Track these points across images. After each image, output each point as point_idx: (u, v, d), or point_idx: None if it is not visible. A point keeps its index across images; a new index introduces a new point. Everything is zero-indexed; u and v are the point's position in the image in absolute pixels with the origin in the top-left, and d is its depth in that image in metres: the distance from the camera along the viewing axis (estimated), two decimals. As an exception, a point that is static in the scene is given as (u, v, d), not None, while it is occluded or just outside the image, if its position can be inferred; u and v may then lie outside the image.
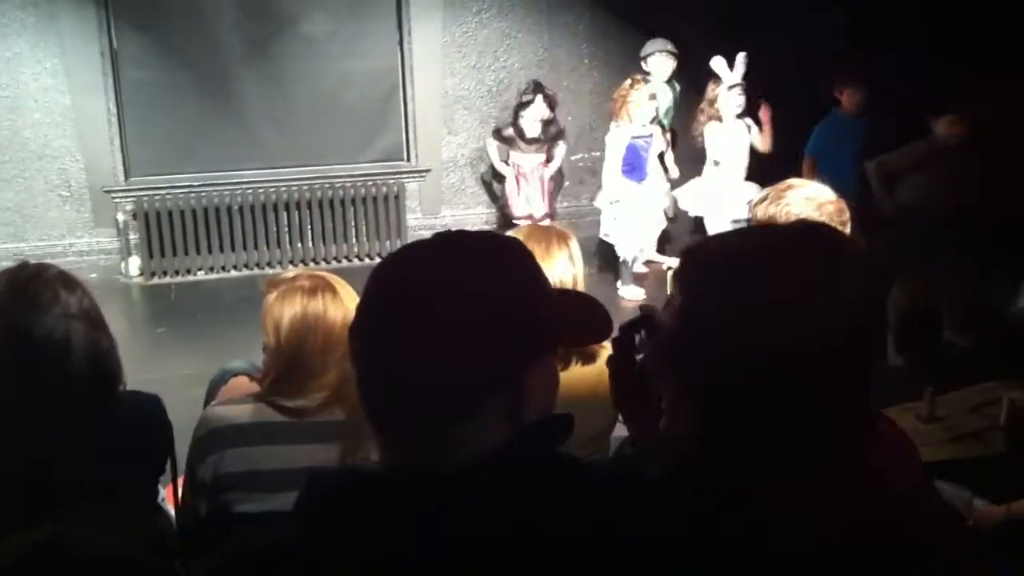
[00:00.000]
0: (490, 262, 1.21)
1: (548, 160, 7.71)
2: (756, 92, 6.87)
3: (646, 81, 7.06)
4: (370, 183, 8.12)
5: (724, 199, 6.88)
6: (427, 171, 8.37)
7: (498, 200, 8.26)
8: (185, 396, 3.44)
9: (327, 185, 8.04)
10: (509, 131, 7.67)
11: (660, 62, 7.47)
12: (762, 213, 2.57)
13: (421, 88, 8.26)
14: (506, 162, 7.77)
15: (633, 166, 7.06)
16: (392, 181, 8.20)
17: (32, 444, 2.14)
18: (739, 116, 6.94)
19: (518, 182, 7.66)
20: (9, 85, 7.53)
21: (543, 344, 1.23)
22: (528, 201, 7.63)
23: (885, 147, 6.22)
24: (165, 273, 7.79)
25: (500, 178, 7.94)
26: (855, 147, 6.67)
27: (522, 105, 7.56)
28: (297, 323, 2.38)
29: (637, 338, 1.45)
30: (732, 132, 6.93)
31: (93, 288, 2.42)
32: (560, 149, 7.75)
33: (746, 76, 6.81)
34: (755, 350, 1.21)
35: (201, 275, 7.87)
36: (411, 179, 8.37)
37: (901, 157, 6.01)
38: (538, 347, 1.21)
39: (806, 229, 1.38)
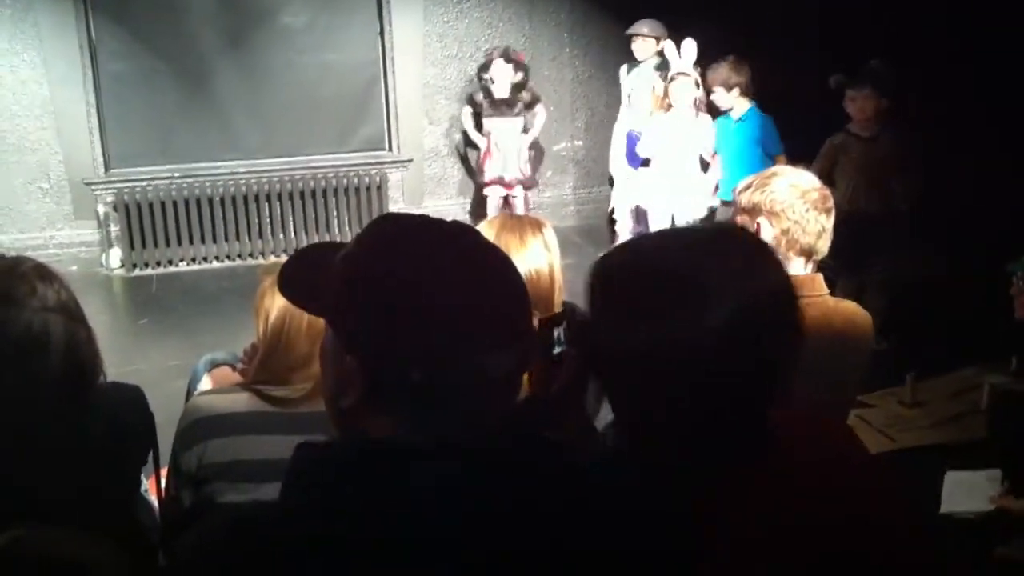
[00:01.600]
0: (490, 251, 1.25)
1: (527, 129, 7.70)
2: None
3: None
4: (352, 173, 8.11)
5: (665, 193, 6.69)
6: (409, 161, 8.36)
7: (474, 171, 8.21)
8: (168, 387, 3.44)
9: (309, 176, 8.02)
10: (479, 96, 7.67)
11: (637, 45, 7.44)
12: (746, 200, 2.57)
13: (402, 78, 8.24)
14: (480, 129, 7.76)
15: (633, 154, 7.06)
16: (374, 171, 8.19)
17: (9, 439, 2.12)
18: (704, 111, 6.66)
19: (490, 148, 7.64)
20: (-13, 78, 7.48)
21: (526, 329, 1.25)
22: (500, 164, 7.59)
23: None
24: (146, 265, 7.76)
25: (474, 146, 7.93)
26: (746, 148, 6.48)
27: (484, 67, 7.61)
28: (284, 311, 2.37)
29: (556, 332, 1.46)
30: (678, 124, 6.61)
31: (74, 280, 2.40)
32: (539, 117, 7.74)
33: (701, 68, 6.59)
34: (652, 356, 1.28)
35: (183, 266, 7.85)
36: (393, 169, 8.36)
37: (821, 157, 5.72)
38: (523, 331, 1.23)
39: (714, 231, 1.46)
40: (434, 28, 8.23)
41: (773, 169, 2.71)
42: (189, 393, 2.88)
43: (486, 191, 7.73)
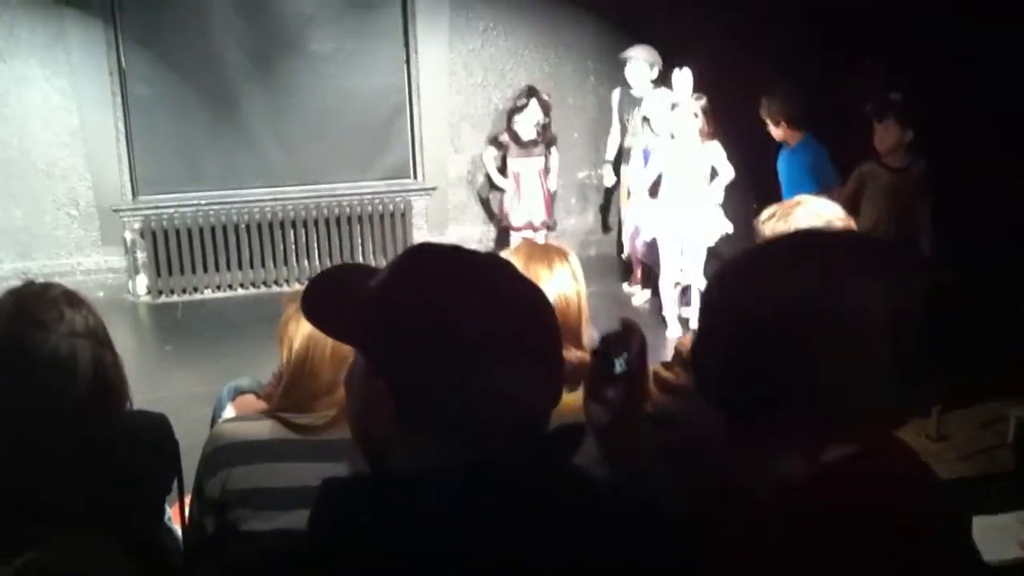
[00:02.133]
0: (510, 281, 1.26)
1: (546, 168, 7.73)
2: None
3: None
4: (376, 201, 8.14)
5: (670, 222, 6.66)
6: (433, 189, 8.39)
7: (494, 212, 8.25)
8: (192, 414, 3.44)
9: (333, 203, 8.06)
10: (504, 137, 7.71)
11: (631, 70, 7.45)
12: (770, 230, 2.57)
13: (427, 106, 8.29)
14: (503, 170, 7.79)
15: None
16: (399, 199, 8.22)
17: (37, 464, 2.13)
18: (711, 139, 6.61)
19: (518, 190, 7.66)
20: (18, 104, 7.58)
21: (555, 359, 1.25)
22: (528, 210, 7.63)
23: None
24: (172, 291, 7.81)
25: (497, 189, 7.95)
26: (795, 178, 6.36)
27: (516, 109, 7.64)
28: (308, 338, 2.38)
29: (615, 352, 1.46)
30: (684, 152, 6.58)
31: (100, 307, 2.42)
32: (555, 157, 7.78)
33: (706, 98, 6.55)
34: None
35: (208, 293, 7.89)
36: (418, 196, 8.39)
37: (848, 188, 5.70)
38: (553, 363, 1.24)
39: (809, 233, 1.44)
40: (459, 56, 8.28)
41: (797, 198, 2.71)
42: (214, 420, 2.89)
43: (513, 233, 7.71)
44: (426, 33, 8.16)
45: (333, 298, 1.28)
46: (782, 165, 6.44)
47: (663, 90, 7.10)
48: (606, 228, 8.65)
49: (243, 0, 7.83)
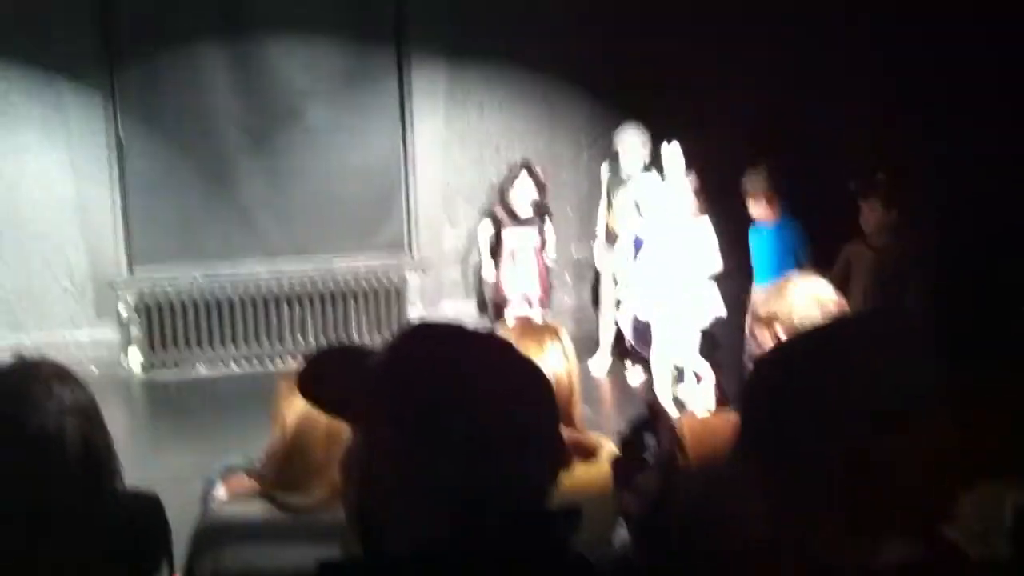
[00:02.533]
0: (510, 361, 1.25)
1: (542, 242, 7.71)
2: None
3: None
4: (371, 275, 8.16)
5: (663, 304, 6.64)
6: (428, 264, 8.40)
7: (489, 286, 8.14)
8: (184, 492, 3.39)
9: (328, 278, 8.07)
10: (499, 210, 7.70)
11: (623, 148, 7.50)
12: (763, 311, 2.57)
13: (423, 181, 8.36)
14: (498, 245, 7.73)
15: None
16: (393, 274, 8.24)
17: (27, 543, 2.10)
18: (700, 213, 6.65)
19: (513, 261, 7.64)
20: (15, 175, 7.63)
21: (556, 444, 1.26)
22: (522, 283, 7.60)
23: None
24: (165, 366, 7.78)
25: (493, 262, 7.89)
26: (776, 257, 6.39)
27: (509, 183, 7.63)
28: (302, 417, 2.36)
29: (646, 436, 1.44)
30: (675, 230, 6.57)
31: (93, 381, 2.41)
32: (549, 230, 7.76)
33: (697, 173, 6.59)
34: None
35: (202, 368, 7.85)
36: (412, 272, 8.40)
37: (836, 269, 5.67)
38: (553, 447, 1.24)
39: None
40: (455, 132, 8.36)
41: (790, 279, 2.72)
42: (204, 498, 2.86)
43: (507, 308, 7.65)
44: (422, 108, 8.26)
45: (331, 376, 1.28)
46: (760, 242, 6.46)
47: (654, 174, 7.13)
48: (596, 305, 8.64)
49: (241, 75, 7.93)
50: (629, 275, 7.02)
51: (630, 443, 1.43)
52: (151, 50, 7.76)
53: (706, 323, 6.64)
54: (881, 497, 1.23)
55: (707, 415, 2.29)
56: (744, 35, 7.80)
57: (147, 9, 7.71)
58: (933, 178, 6.29)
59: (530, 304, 7.59)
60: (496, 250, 7.82)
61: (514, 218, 7.62)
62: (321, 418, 2.33)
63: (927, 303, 5.56)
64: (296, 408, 2.37)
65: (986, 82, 6.38)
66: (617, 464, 1.52)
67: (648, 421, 1.45)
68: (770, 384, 1.39)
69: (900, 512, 1.24)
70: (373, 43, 8.20)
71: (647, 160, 7.39)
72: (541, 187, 7.62)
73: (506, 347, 1.28)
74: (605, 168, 7.75)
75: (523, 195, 7.57)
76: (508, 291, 7.69)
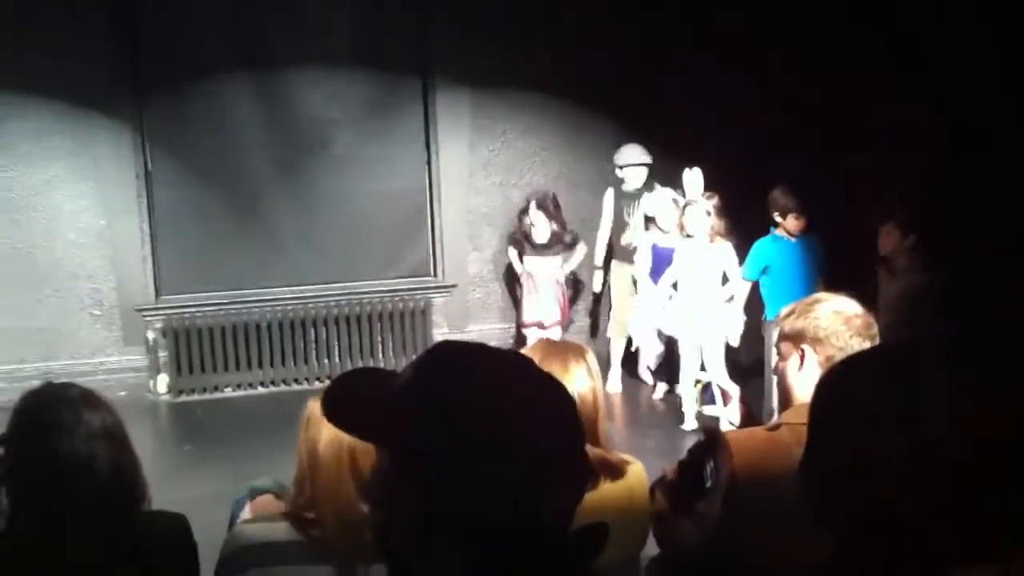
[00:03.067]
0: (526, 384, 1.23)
1: (563, 267, 7.78)
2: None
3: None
4: (397, 299, 8.19)
5: (688, 321, 6.67)
6: (453, 286, 8.44)
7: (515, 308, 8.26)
8: (211, 515, 3.41)
9: (354, 301, 8.11)
10: (519, 236, 7.77)
11: (627, 173, 7.57)
12: (789, 328, 2.56)
13: (448, 206, 8.40)
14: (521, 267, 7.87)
15: (655, 271, 7.09)
16: (419, 297, 8.27)
17: (57, 566, 2.12)
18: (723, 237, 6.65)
19: (530, 289, 7.70)
20: (46, 207, 7.71)
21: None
22: (539, 308, 7.64)
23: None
24: (193, 391, 7.82)
25: (518, 285, 8.00)
26: (803, 268, 6.42)
27: (523, 212, 7.72)
28: (334, 443, 2.35)
29: (707, 465, 1.41)
30: (696, 251, 6.62)
31: (121, 406, 2.43)
32: (578, 254, 7.80)
33: (718, 196, 6.62)
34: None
35: (229, 392, 7.90)
36: (437, 295, 8.43)
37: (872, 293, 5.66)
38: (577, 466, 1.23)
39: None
40: (479, 158, 8.40)
41: (816, 296, 2.70)
42: (232, 522, 2.86)
43: (524, 331, 7.79)
44: (447, 135, 8.31)
45: (356, 397, 1.27)
46: (783, 258, 6.46)
47: (665, 189, 7.15)
48: (594, 331, 8.63)
49: (268, 104, 8.00)
50: (651, 290, 7.01)
51: (690, 469, 1.40)
52: (178, 84, 7.84)
53: (733, 339, 6.64)
54: (952, 525, 1.20)
55: (746, 431, 2.25)
56: (766, 59, 7.81)
57: (174, 45, 7.79)
58: (947, 203, 6.26)
59: (543, 327, 7.61)
60: (518, 276, 7.91)
61: (532, 245, 7.67)
62: (350, 441, 2.34)
63: (948, 327, 5.52)
64: (326, 430, 2.37)
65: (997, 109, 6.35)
66: (674, 489, 1.49)
67: (708, 447, 1.42)
68: (837, 403, 1.33)
69: (970, 539, 1.20)
70: (398, 71, 8.26)
71: (648, 175, 7.50)
72: (549, 214, 7.62)
73: (529, 366, 1.27)
74: (610, 193, 7.75)
75: (540, 224, 7.62)
76: (525, 313, 7.76)
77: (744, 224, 6.74)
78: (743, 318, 6.63)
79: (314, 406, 2.44)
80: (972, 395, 1.22)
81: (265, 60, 7.95)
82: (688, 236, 6.65)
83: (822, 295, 2.69)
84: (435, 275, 8.54)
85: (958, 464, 1.18)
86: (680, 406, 6.93)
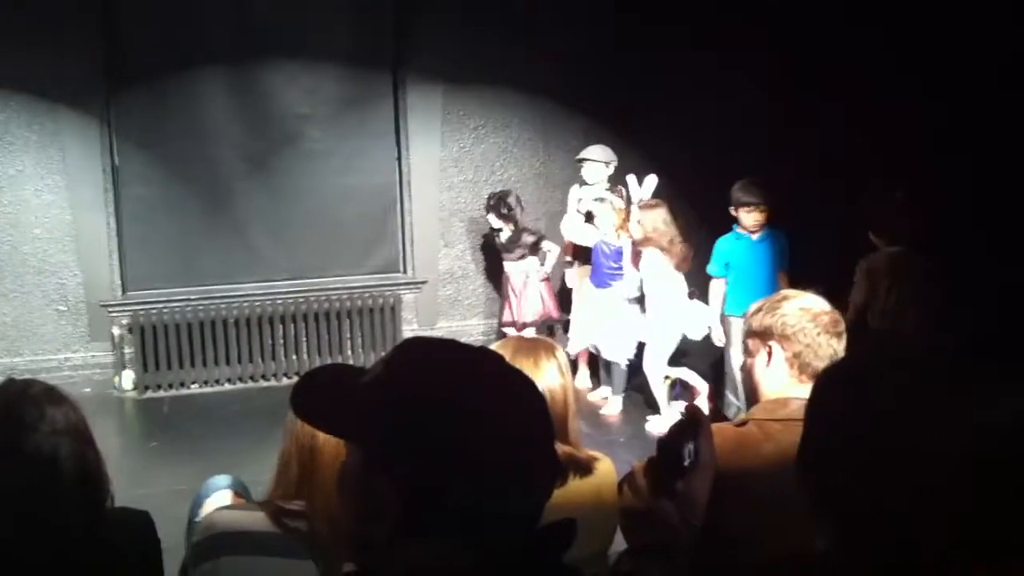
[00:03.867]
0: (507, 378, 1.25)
1: (539, 267, 7.75)
2: None
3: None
4: (367, 295, 8.16)
5: (658, 321, 6.70)
6: (423, 283, 8.41)
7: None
8: (176, 511, 3.38)
9: (323, 298, 8.07)
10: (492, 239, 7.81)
11: (587, 169, 7.53)
12: (757, 324, 2.57)
13: (419, 202, 8.37)
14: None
15: (596, 268, 7.13)
16: (388, 293, 8.24)
17: (18, 562, 2.10)
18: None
19: (509, 290, 7.71)
20: (11, 201, 7.62)
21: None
22: (516, 309, 7.65)
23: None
24: (159, 387, 7.76)
25: (493, 285, 8.03)
26: (768, 264, 6.44)
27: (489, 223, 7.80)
28: (308, 433, 2.34)
29: (687, 448, 1.41)
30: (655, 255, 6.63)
31: (86, 402, 2.40)
32: (550, 256, 7.76)
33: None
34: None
35: (195, 388, 7.84)
36: (407, 291, 8.41)
37: (860, 289, 5.62)
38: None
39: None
40: (450, 153, 8.39)
41: (783, 292, 2.71)
42: (191, 520, 2.84)
43: (505, 330, 7.74)
44: (418, 131, 8.28)
45: (324, 393, 1.28)
46: (743, 254, 6.50)
47: (610, 191, 7.17)
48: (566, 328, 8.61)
49: (237, 99, 7.94)
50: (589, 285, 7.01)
51: (669, 449, 1.40)
52: (147, 79, 7.76)
53: (696, 335, 6.69)
54: (951, 526, 1.19)
55: (715, 427, 2.25)
56: (739, 48, 7.84)
57: (144, 38, 7.71)
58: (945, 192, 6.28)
59: (518, 328, 7.61)
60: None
61: (504, 247, 7.70)
62: (326, 436, 2.32)
63: (947, 316, 5.55)
64: (302, 424, 2.35)
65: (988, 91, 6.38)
66: (654, 470, 1.48)
67: (688, 427, 1.42)
68: (832, 405, 1.32)
69: (968, 540, 1.19)
70: (370, 67, 8.22)
71: (611, 175, 7.47)
72: (505, 217, 7.61)
73: (499, 361, 1.28)
74: (574, 190, 7.72)
75: (495, 226, 7.66)
76: (505, 316, 7.78)
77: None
78: (708, 313, 6.65)
79: None
80: (970, 396, 1.21)
81: (236, 55, 7.88)
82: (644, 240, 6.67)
83: (789, 292, 2.70)
84: (405, 271, 8.51)
85: (957, 466, 1.17)
86: (646, 403, 6.96)
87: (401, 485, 1.15)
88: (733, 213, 6.49)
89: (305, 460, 2.35)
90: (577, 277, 7.66)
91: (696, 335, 6.70)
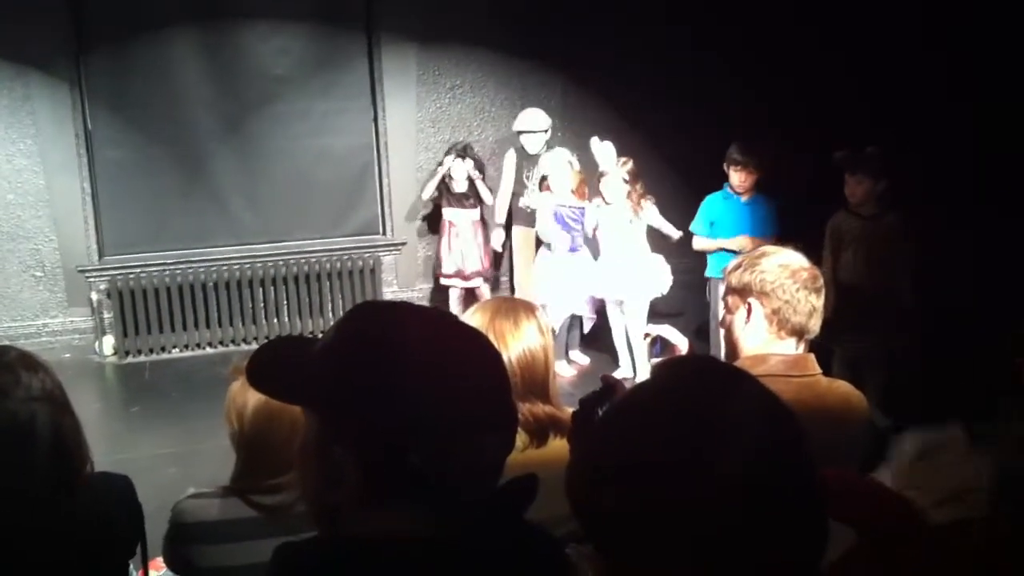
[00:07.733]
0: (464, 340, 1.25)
1: (482, 220, 7.76)
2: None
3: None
4: (345, 257, 8.13)
5: (613, 281, 6.71)
6: (403, 244, 8.39)
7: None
8: (159, 475, 3.40)
9: (302, 260, 8.04)
10: (440, 186, 7.76)
11: (528, 140, 7.47)
12: (736, 281, 2.57)
13: (396, 163, 8.33)
14: (436, 220, 7.88)
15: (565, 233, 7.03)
16: (368, 255, 8.21)
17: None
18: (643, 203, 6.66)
19: (450, 239, 7.68)
20: (-17, 166, 7.53)
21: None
22: (459, 260, 7.65)
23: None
24: (139, 352, 7.73)
25: (435, 233, 8.02)
26: (753, 228, 6.40)
27: (441, 163, 7.77)
28: (262, 409, 2.32)
29: (598, 409, 1.41)
30: (618, 218, 6.64)
31: (66, 368, 2.40)
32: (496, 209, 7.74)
33: (632, 162, 6.62)
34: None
35: (176, 353, 7.82)
36: (387, 252, 8.38)
37: (828, 243, 5.67)
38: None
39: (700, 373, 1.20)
40: (427, 114, 8.33)
41: (762, 249, 2.71)
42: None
43: (444, 281, 7.76)
44: (394, 91, 8.22)
45: (279, 362, 1.27)
46: (729, 215, 6.47)
47: (562, 150, 7.07)
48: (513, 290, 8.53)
49: (212, 60, 7.85)
50: (556, 245, 6.92)
51: (581, 416, 1.39)
52: (119, 39, 7.65)
53: (654, 295, 6.73)
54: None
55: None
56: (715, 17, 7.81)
57: (113, -1, 7.61)
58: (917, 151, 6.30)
59: (465, 278, 7.64)
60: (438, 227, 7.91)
61: (452, 195, 7.68)
62: (283, 409, 2.29)
63: (917, 273, 5.59)
64: (255, 399, 2.33)
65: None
66: (570, 437, 1.46)
67: (604, 394, 1.41)
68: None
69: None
70: (344, 27, 8.14)
71: (547, 138, 7.47)
72: (476, 164, 7.67)
73: (450, 319, 1.29)
74: (511, 154, 7.62)
75: (459, 174, 7.63)
76: (444, 265, 7.75)
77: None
78: (668, 276, 6.68)
79: (241, 373, 2.32)
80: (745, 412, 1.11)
81: (209, 15, 7.79)
82: (608, 204, 6.66)
83: (768, 248, 2.70)
84: (384, 233, 8.48)
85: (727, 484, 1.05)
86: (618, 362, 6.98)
87: (359, 450, 1.15)
88: (726, 170, 6.45)
89: (262, 437, 2.33)
90: (522, 239, 7.55)
91: (661, 289, 6.72)
